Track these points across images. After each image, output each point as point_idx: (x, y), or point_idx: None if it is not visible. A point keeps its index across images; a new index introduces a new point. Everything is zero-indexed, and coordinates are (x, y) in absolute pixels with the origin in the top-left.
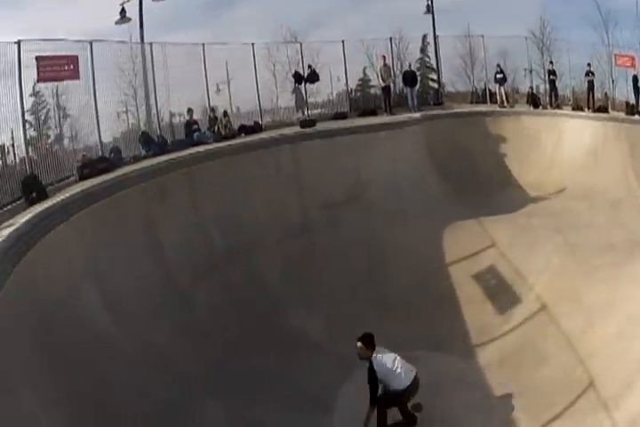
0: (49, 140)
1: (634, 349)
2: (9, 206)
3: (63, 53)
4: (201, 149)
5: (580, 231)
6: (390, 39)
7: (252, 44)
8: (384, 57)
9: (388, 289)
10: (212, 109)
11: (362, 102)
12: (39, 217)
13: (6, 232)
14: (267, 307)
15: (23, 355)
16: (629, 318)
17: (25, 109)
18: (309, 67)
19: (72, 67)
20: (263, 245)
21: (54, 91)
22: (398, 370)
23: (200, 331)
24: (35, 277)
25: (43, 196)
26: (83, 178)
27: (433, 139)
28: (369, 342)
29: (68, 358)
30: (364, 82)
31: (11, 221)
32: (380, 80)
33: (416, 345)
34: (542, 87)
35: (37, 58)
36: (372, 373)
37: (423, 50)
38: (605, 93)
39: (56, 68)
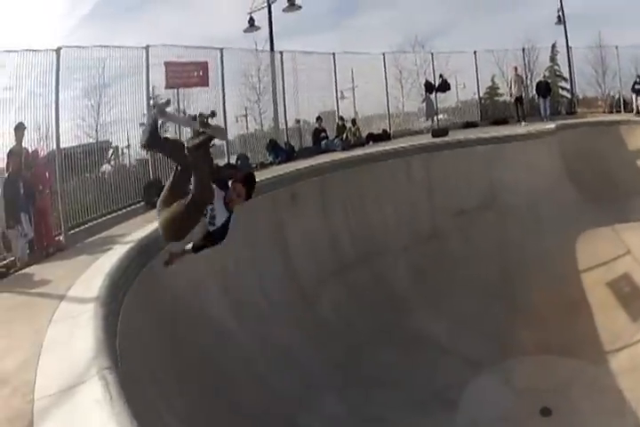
0: None
1: None
2: (129, 208)
3: (192, 60)
4: (330, 157)
5: None
6: (523, 49)
7: (384, 53)
8: (516, 68)
9: (519, 294)
10: (341, 118)
11: (491, 111)
12: None
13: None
14: (392, 309)
15: (148, 346)
16: None
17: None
18: (441, 76)
19: (201, 73)
20: (392, 250)
21: (176, 96)
22: None
23: (323, 330)
24: (163, 276)
25: None
26: None
27: (567, 148)
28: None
29: (190, 352)
30: (492, 90)
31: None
32: (512, 90)
33: (546, 349)
34: None
35: (166, 64)
36: None
37: (553, 58)
38: None
39: (185, 73)
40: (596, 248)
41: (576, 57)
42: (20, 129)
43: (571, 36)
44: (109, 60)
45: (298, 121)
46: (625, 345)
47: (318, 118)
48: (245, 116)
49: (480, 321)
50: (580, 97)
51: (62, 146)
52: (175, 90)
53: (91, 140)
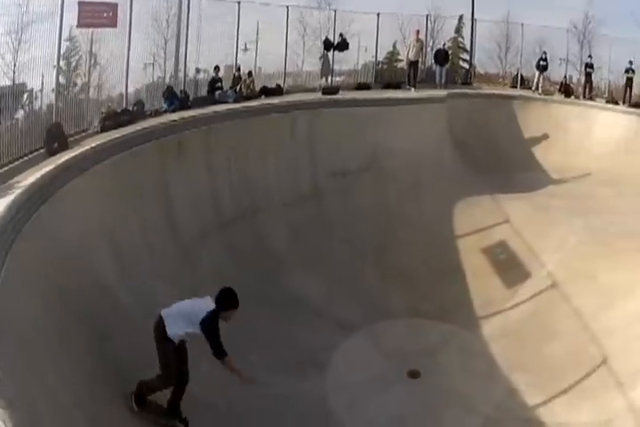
0: (75, 89)
1: None
2: (30, 155)
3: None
4: (220, 107)
5: (602, 216)
6: (427, 16)
7: (287, 6)
8: (418, 31)
9: (394, 258)
10: (238, 69)
11: (387, 76)
12: (60, 169)
13: (25, 183)
14: (269, 268)
15: (33, 303)
16: None
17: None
18: (341, 35)
19: (111, 14)
20: (271, 208)
21: (89, 37)
22: None
23: (202, 288)
24: (49, 227)
25: (64, 146)
26: (104, 130)
27: (456, 117)
28: None
29: (74, 308)
30: (393, 55)
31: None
32: (410, 53)
33: (418, 313)
34: (576, 79)
35: (80, 3)
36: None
37: (458, 30)
38: None
39: (96, 14)
40: (475, 215)
41: (481, 31)
42: None
43: (480, 10)
44: None
45: (198, 70)
46: (497, 311)
47: (216, 68)
48: (152, 64)
49: (355, 283)
50: (482, 72)
51: None
52: (89, 31)
53: (7, 83)
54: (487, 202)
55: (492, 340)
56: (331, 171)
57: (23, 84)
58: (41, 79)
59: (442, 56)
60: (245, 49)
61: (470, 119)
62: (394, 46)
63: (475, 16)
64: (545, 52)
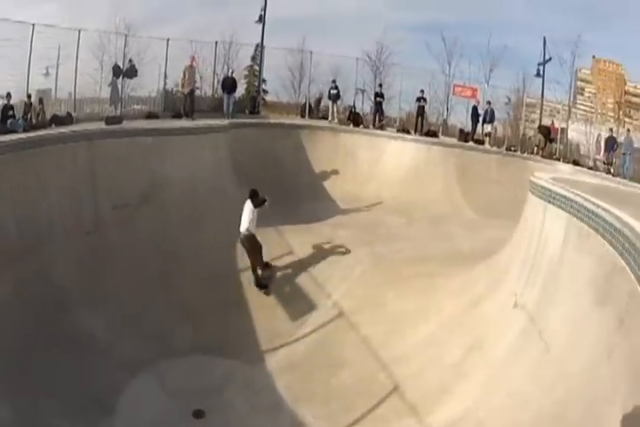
0: None
1: (446, 355)
2: None
3: None
4: (9, 137)
5: (391, 244)
6: (216, 43)
7: (79, 30)
8: (193, 57)
9: (179, 291)
10: (29, 96)
11: (179, 104)
12: None
13: None
14: (57, 307)
15: None
16: (441, 326)
17: None
18: (130, 61)
19: None
20: (55, 242)
21: None
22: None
23: None
24: None
25: None
26: None
27: (239, 147)
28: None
29: None
30: None
31: None
32: (184, 81)
33: (201, 349)
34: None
35: None
36: None
37: (254, 58)
38: (445, 120)
39: None
40: None
41: (277, 59)
42: None
43: (278, 38)
44: None
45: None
46: (283, 344)
47: (8, 95)
48: None
49: (139, 320)
50: (276, 100)
51: None
52: None
53: None
54: (271, 233)
55: (278, 373)
56: (113, 202)
57: None
58: None
59: (229, 84)
60: (47, 74)
61: (255, 149)
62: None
63: (266, 43)
64: (334, 81)
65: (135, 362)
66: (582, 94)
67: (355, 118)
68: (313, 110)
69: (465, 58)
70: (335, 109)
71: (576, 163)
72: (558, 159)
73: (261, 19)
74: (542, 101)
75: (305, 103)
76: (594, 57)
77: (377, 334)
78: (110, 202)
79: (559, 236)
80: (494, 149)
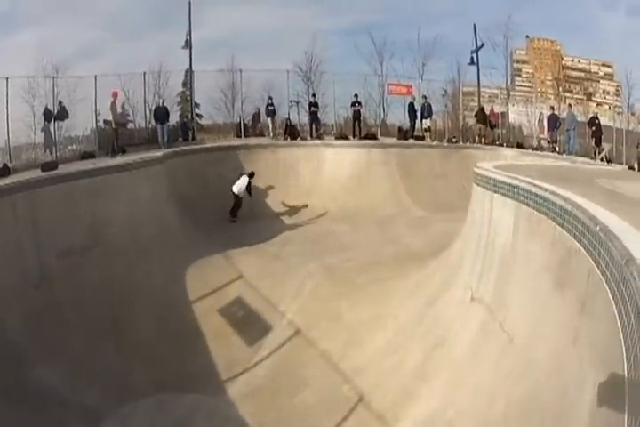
0: None
1: (408, 359)
2: None
3: None
4: None
5: (340, 253)
6: (144, 73)
7: (7, 78)
8: (115, 93)
9: (133, 332)
10: None
11: (121, 140)
12: None
13: None
14: (12, 363)
15: None
16: (399, 330)
17: None
18: (60, 103)
19: None
20: (3, 298)
21: None
22: None
23: None
24: None
25: None
26: None
27: (178, 176)
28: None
29: None
30: (123, 117)
31: None
32: (111, 117)
33: (161, 388)
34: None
35: None
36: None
37: (185, 84)
38: (383, 120)
39: None
40: (208, 276)
41: (208, 82)
42: None
43: (208, 60)
44: None
45: None
46: (243, 371)
47: None
48: None
49: (96, 367)
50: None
51: None
52: None
53: None
54: (219, 259)
55: (241, 401)
56: (57, 251)
57: None
58: None
59: (161, 114)
60: None
61: (195, 176)
62: (122, 107)
63: (196, 67)
64: (271, 97)
65: (96, 411)
66: (520, 75)
67: (292, 131)
68: (249, 129)
69: (396, 56)
70: (272, 125)
71: (520, 145)
72: (502, 144)
73: (187, 43)
74: (479, 88)
75: (240, 122)
76: (527, 36)
77: (335, 347)
78: (55, 251)
79: (509, 224)
80: (435, 142)
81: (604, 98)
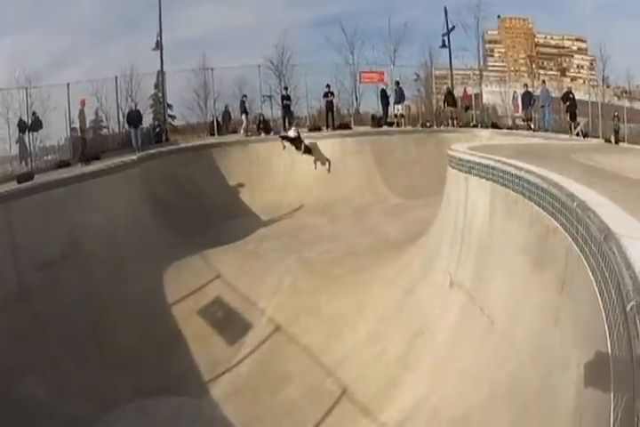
0: None
1: (390, 348)
2: None
3: None
4: None
5: (316, 246)
6: (116, 78)
7: None
8: (83, 101)
9: (114, 339)
10: None
11: (95, 146)
12: None
13: None
14: None
15: None
16: (380, 320)
17: None
18: (34, 114)
19: None
20: None
21: None
22: None
23: None
24: None
25: None
26: None
27: (153, 178)
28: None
29: None
30: (97, 123)
31: None
32: (80, 124)
33: (145, 393)
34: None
35: None
36: None
37: (157, 85)
38: (357, 109)
39: None
40: (186, 277)
41: (181, 82)
42: None
43: (180, 60)
44: None
45: None
46: (225, 370)
47: None
48: None
49: (79, 375)
50: (184, 123)
51: None
52: None
53: None
54: (196, 261)
55: (225, 401)
56: (36, 263)
57: None
58: None
59: (134, 117)
60: None
61: (169, 177)
62: (96, 113)
63: (168, 68)
64: (245, 95)
65: (82, 420)
66: (493, 56)
67: (265, 126)
68: (222, 126)
69: (368, 44)
70: (246, 122)
71: (495, 126)
72: (476, 126)
73: (158, 45)
74: (452, 71)
75: (213, 121)
76: (499, 16)
77: (316, 341)
78: (33, 263)
79: (485, 206)
80: (409, 128)
81: (579, 72)
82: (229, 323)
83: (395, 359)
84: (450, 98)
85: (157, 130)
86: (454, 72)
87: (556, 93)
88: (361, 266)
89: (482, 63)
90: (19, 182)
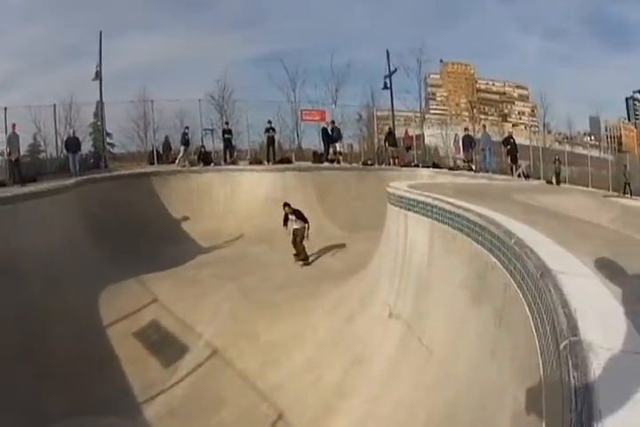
0: None
1: (327, 374)
2: None
3: None
4: None
5: (257, 274)
6: (54, 106)
7: None
8: (14, 125)
9: (46, 359)
10: None
11: (32, 169)
12: None
13: None
14: None
15: None
16: (319, 347)
17: None
18: None
19: None
20: None
21: None
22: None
23: None
24: None
25: None
26: None
27: (89, 203)
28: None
29: None
30: (35, 148)
31: None
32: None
33: (76, 411)
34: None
35: None
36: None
37: (97, 114)
38: (298, 145)
39: None
40: (121, 301)
41: (120, 112)
42: None
43: (120, 91)
44: None
45: None
46: (160, 392)
47: None
48: None
49: (10, 395)
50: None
51: None
52: None
53: None
54: (133, 284)
55: (157, 422)
56: None
57: None
58: None
59: (72, 143)
60: None
61: (108, 202)
62: (34, 138)
63: (109, 97)
64: (187, 128)
65: None
66: (435, 99)
67: (205, 158)
68: (162, 156)
69: (309, 82)
70: (183, 153)
71: (436, 165)
72: (417, 165)
73: (98, 75)
74: (393, 113)
75: (152, 151)
76: (441, 61)
77: (253, 366)
78: None
79: (424, 241)
80: (352, 165)
81: (520, 119)
82: (165, 346)
83: (331, 387)
84: (391, 138)
85: (96, 156)
86: (396, 113)
87: (497, 138)
88: (301, 294)
89: (424, 106)
90: None
